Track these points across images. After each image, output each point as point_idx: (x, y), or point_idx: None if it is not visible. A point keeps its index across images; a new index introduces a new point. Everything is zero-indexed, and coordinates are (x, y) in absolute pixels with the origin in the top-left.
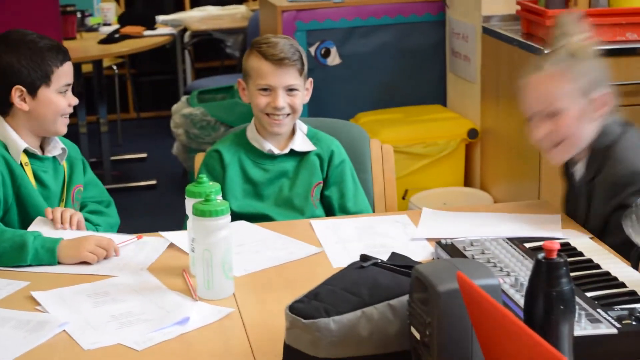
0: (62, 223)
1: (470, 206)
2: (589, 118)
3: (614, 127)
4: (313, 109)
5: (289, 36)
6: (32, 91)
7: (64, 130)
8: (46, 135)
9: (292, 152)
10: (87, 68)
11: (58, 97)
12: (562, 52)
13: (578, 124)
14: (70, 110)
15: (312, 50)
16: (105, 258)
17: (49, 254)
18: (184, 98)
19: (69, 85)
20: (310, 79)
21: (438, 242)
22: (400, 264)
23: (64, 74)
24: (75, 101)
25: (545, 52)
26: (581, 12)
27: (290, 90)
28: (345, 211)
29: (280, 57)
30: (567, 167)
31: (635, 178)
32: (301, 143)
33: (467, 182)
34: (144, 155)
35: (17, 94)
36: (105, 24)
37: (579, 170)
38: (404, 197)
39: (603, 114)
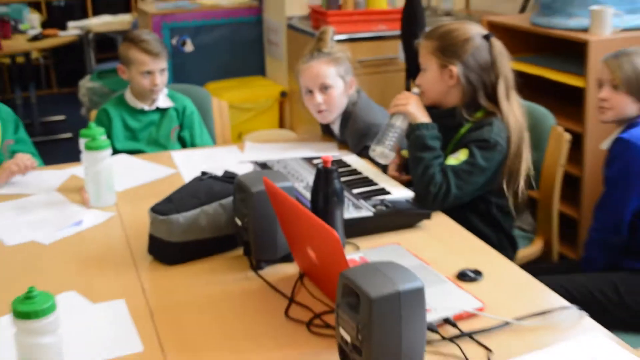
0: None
1: (282, 139)
2: (345, 93)
3: (351, 96)
4: (177, 80)
5: (150, 31)
6: None
7: None
8: None
9: (157, 109)
10: (20, 59)
11: None
12: (327, 50)
13: (340, 97)
14: None
15: (174, 42)
16: (26, 170)
17: None
18: (87, 76)
19: None
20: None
21: (255, 162)
22: (229, 176)
23: None
24: None
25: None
26: (334, 29)
27: (162, 71)
28: (195, 146)
29: (157, 51)
30: (327, 128)
31: (370, 129)
32: (163, 102)
33: (281, 126)
34: (63, 117)
35: None
36: (32, 28)
37: (336, 129)
38: (239, 137)
39: (351, 92)
